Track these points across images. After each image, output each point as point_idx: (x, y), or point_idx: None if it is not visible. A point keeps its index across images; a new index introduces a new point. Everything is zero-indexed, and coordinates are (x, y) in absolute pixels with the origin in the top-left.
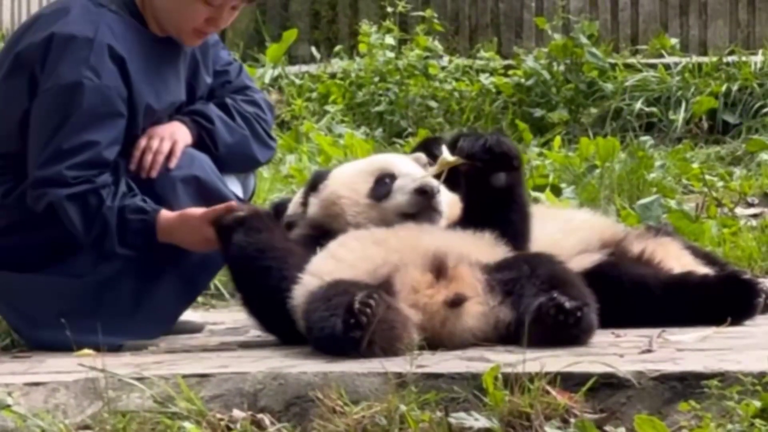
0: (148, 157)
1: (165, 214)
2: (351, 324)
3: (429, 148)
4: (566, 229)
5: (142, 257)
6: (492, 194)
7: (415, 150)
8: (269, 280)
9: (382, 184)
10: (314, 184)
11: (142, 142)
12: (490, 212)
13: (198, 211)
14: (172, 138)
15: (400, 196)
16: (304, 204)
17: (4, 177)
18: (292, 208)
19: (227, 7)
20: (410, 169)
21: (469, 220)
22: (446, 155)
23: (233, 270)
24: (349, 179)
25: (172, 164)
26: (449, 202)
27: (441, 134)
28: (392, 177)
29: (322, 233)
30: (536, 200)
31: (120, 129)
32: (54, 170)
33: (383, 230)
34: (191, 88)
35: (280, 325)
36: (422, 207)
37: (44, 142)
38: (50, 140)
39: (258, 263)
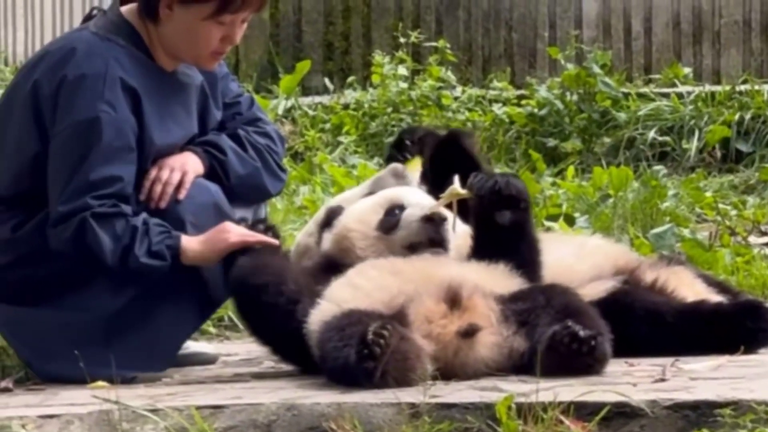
0: (158, 188)
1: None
2: (364, 354)
3: (403, 142)
4: (579, 255)
5: (146, 290)
6: (498, 230)
7: (393, 146)
8: (266, 297)
9: (392, 215)
10: (329, 220)
11: (153, 172)
12: (496, 246)
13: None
14: (183, 169)
15: (407, 226)
16: (318, 239)
17: (14, 212)
18: (302, 238)
19: (238, 21)
20: (420, 200)
21: (477, 253)
22: (456, 186)
23: (232, 291)
24: (360, 212)
25: (182, 195)
26: (461, 233)
27: (415, 125)
28: (401, 208)
29: (334, 265)
30: (549, 230)
31: (134, 164)
32: (79, 202)
33: (401, 260)
34: (202, 122)
35: (284, 345)
36: (429, 235)
37: (66, 178)
38: (72, 176)
39: (254, 280)
